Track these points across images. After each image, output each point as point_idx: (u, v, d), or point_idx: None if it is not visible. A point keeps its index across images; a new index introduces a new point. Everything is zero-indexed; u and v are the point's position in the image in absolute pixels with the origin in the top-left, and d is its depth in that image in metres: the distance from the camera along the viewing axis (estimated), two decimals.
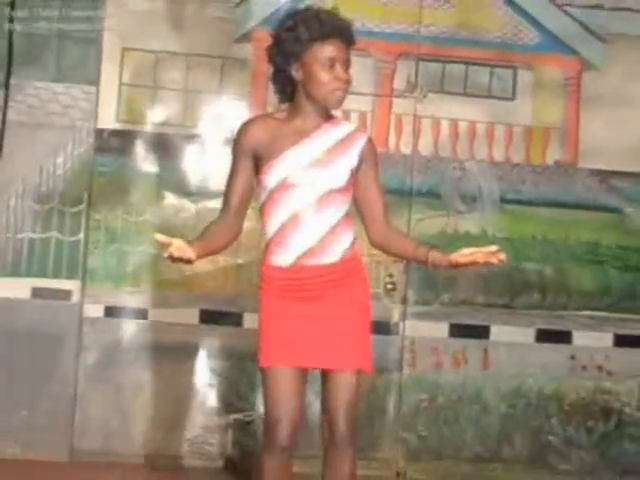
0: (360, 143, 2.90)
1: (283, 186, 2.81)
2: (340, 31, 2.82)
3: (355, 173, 2.89)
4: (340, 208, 2.87)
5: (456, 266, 2.83)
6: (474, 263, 2.80)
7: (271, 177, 2.80)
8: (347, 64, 2.81)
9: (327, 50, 2.79)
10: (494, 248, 2.77)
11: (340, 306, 2.85)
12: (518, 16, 4.86)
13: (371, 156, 2.94)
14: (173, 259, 2.63)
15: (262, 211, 2.86)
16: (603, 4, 4.86)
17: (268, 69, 2.96)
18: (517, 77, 4.84)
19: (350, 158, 2.87)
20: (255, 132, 2.86)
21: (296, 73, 2.78)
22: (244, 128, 2.89)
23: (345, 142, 2.89)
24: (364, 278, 2.96)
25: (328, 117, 2.88)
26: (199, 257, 2.71)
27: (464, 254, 2.79)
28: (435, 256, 2.84)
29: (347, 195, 2.88)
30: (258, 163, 2.85)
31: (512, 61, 4.82)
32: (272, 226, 2.84)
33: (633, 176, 4.84)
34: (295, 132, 2.85)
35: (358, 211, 2.95)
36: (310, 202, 2.82)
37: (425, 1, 4.78)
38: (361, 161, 2.90)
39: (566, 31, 4.84)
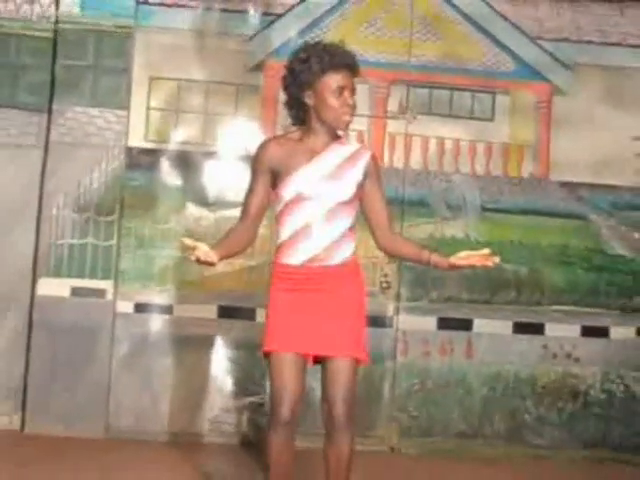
0: (365, 160, 2.91)
1: (297, 198, 2.83)
2: (347, 62, 2.85)
3: (361, 187, 2.89)
4: (347, 220, 2.88)
5: (455, 268, 2.87)
6: (471, 266, 2.84)
7: (287, 190, 2.83)
8: (353, 91, 2.85)
9: (337, 79, 2.81)
10: (487, 251, 2.80)
11: (339, 302, 2.85)
12: (496, 48, 4.88)
13: (375, 171, 2.94)
14: (198, 262, 2.65)
15: (278, 219, 2.88)
16: (570, 37, 4.89)
17: (281, 96, 2.99)
18: (496, 101, 4.88)
19: (356, 173, 2.88)
20: (272, 150, 2.88)
21: (309, 99, 2.82)
22: (262, 147, 2.92)
23: (351, 159, 2.90)
24: (361, 280, 2.96)
25: (336, 137, 2.90)
26: (220, 259, 2.73)
27: (462, 257, 2.82)
28: (436, 259, 2.87)
29: (353, 208, 2.90)
30: (275, 177, 2.87)
31: (491, 87, 4.86)
32: (285, 232, 2.86)
33: (597, 187, 4.86)
34: (307, 151, 2.86)
35: (366, 220, 2.96)
36: (320, 213, 2.83)
37: (414, 34, 4.81)
38: (366, 176, 2.90)
39: (538, 61, 4.88)
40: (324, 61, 2.83)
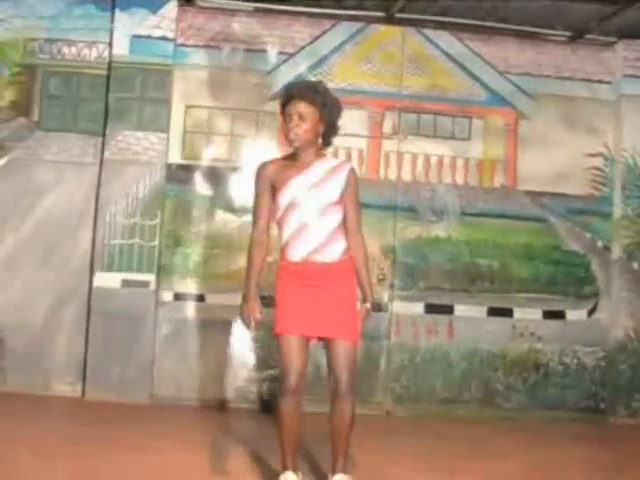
0: (345, 171, 3.03)
1: (292, 204, 2.96)
2: (293, 94, 2.98)
3: (344, 192, 3.01)
4: (336, 217, 2.98)
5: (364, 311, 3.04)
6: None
7: (283, 199, 2.98)
8: (301, 116, 2.94)
9: (287, 108, 2.98)
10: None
11: (335, 294, 2.96)
12: (472, 80, 5.12)
13: (352, 181, 3.03)
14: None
15: (279, 224, 3.03)
16: (532, 72, 5.14)
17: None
18: (472, 124, 5.08)
19: (339, 181, 3.01)
20: (270, 168, 3.04)
21: None
22: (261, 167, 3.07)
23: (334, 170, 3.02)
24: (353, 279, 3.03)
25: (321, 155, 3.05)
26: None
27: (361, 312, 3.02)
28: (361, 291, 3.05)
29: (340, 207, 3.01)
30: (274, 190, 3.02)
31: (468, 113, 5.08)
32: (287, 232, 2.99)
33: (555, 195, 5.07)
34: (297, 166, 3.00)
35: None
36: (313, 214, 2.95)
37: (405, 69, 5.04)
38: (346, 184, 3.02)
39: (506, 91, 5.13)
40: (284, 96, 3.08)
